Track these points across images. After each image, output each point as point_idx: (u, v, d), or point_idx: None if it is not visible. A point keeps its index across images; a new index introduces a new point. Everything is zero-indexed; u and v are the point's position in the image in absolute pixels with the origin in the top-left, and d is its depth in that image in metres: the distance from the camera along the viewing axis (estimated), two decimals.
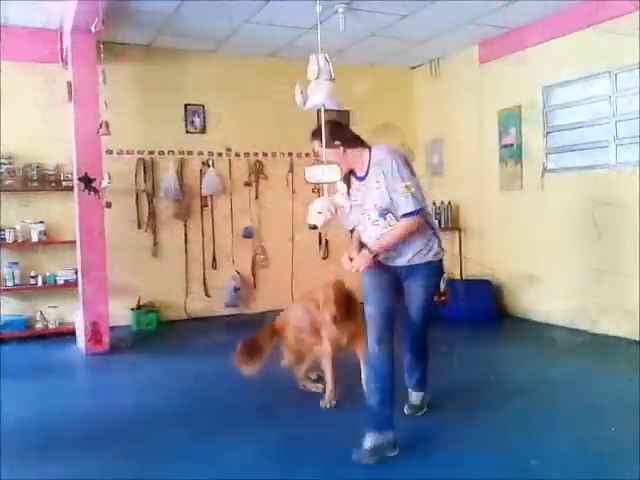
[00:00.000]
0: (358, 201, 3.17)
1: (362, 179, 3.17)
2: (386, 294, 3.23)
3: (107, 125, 5.24)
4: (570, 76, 5.95)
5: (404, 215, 3.10)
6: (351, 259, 3.15)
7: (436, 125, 7.78)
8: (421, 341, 3.53)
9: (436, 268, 3.34)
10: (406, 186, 3.05)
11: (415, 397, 3.66)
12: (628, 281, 5.39)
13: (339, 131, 3.16)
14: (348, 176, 3.19)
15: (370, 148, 3.18)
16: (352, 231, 3.38)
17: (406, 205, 3.08)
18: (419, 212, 3.11)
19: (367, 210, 3.19)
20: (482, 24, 6.31)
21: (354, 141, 3.19)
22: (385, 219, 3.14)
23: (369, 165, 3.14)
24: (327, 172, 1.30)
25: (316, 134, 3.00)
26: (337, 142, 3.06)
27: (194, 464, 3.03)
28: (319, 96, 1.29)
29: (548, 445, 3.15)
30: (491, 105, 6.91)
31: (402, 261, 3.25)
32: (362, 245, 3.28)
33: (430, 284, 3.35)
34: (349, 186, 3.17)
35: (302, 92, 1.26)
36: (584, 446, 3.15)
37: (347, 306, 3.69)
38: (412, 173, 3.16)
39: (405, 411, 3.60)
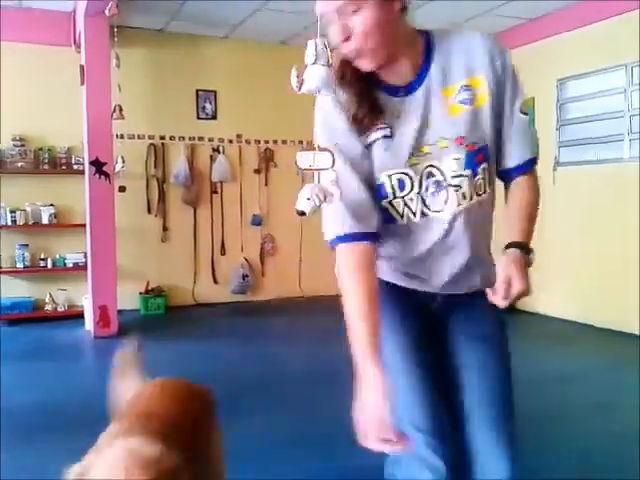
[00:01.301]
0: (398, 137, 1.50)
1: (410, 90, 1.51)
2: (428, 345, 1.72)
3: (121, 109, 5.24)
4: (585, 69, 5.89)
5: (527, 163, 1.57)
6: (508, 281, 1.41)
7: None
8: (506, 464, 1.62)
9: None
10: (526, 104, 1.62)
11: None
12: (638, 276, 5.35)
13: None
14: (363, 86, 1.52)
15: (427, 32, 1.57)
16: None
17: (531, 142, 1.58)
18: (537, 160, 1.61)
19: (432, 153, 1.51)
20: (498, 15, 6.24)
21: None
22: (476, 173, 1.52)
23: (429, 59, 1.52)
24: (319, 158, 1.28)
25: None
26: None
27: None
28: (315, 81, 1.27)
29: (552, 441, 3.14)
30: None
31: (450, 287, 1.66)
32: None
33: (505, 332, 1.84)
34: (370, 111, 1.51)
35: (298, 76, 1.23)
36: (589, 441, 3.14)
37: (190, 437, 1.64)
38: None
39: None
